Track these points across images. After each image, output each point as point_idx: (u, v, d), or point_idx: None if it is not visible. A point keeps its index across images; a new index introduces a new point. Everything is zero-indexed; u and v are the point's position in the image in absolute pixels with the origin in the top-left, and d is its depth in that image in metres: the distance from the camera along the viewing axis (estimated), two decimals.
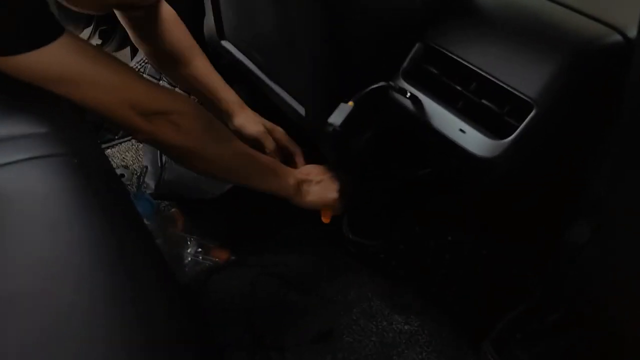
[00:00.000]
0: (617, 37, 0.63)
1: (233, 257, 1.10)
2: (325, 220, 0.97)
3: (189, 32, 1.03)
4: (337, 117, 0.65)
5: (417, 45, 0.75)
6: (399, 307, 1.07)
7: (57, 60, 0.62)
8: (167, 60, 1.01)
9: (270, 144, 1.03)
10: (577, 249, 0.78)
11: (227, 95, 1.03)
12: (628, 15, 0.64)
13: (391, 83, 0.71)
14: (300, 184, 0.92)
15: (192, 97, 1.09)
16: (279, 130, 1.05)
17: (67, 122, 0.65)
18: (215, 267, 1.06)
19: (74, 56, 0.63)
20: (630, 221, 0.67)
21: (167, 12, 0.99)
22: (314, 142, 1.04)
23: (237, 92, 1.07)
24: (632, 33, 0.63)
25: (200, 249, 1.07)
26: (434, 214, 1.09)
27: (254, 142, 1.03)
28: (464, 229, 1.03)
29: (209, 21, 1.16)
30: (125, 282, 0.47)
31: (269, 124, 1.05)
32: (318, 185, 0.94)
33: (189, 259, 1.05)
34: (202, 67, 1.02)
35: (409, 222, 1.12)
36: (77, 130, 0.65)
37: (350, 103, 0.66)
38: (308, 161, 1.02)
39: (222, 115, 1.03)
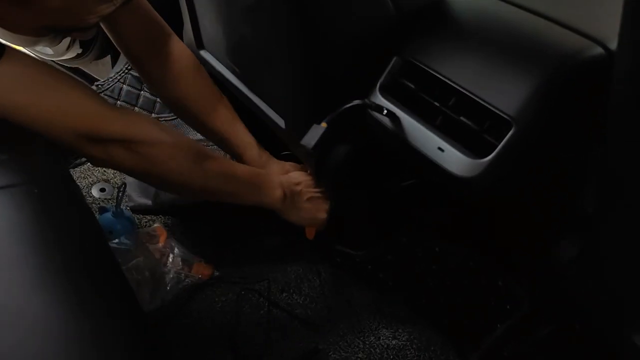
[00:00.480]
0: (599, 50, 0.61)
1: (217, 273, 1.08)
2: (309, 236, 0.96)
3: None
4: (310, 139, 0.63)
5: (394, 59, 0.72)
6: (387, 320, 1.05)
7: None
8: (186, 111, 0.95)
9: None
10: (565, 264, 0.76)
11: (251, 151, 0.95)
12: (609, 26, 0.62)
13: (366, 101, 0.69)
14: (288, 195, 0.87)
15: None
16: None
17: (29, 149, 0.62)
18: (198, 284, 1.04)
19: (18, 78, 0.59)
20: (617, 236, 0.65)
21: (185, 57, 0.93)
22: (294, 154, 1.02)
23: None
24: (613, 45, 0.61)
25: (182, 266, 1.04)
26: (420, 224, 1.07)
27: None
28: (450, 239, 1.01)
29: (188, 31, 1.14)
30: (83, 327, 0.45)
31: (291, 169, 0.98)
32: (309, 203, 0.90)
33: (172, 275, 1.03)
34: (222, 121, 0.95)
35: (396, 232, 1.10)
36: (39, 155, 0.63)
37: (324, 124, 0.64)
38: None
39: None
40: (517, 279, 0.91)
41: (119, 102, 1.32)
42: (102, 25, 0.95)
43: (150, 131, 0.69)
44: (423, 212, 1.04)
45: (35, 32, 0.64)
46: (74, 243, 0.53)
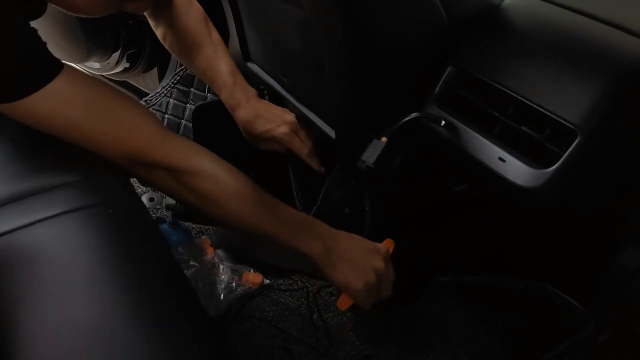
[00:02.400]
0: None
1: (267, 281, 1.09)
2: (340, 306, 0.79)
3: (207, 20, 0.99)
4: (370, 155, 0.63)
5: (448, 68, 0.72)
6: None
7: (53, 105, 0.59)
8: (180, 49, 0.96)
9: (300, 147, 0.96)
10: (630, 273, 0.74)
11: (225, 92, 0.95)
12: None
13: (424, 113, 0.69)
14: (329, 250, 0.74)
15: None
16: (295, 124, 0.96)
17: (100, 168, 0.65)
18: (249, 292, 1.06)
19: (74, 95, 0.60)
20: None
21: None
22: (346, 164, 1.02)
23: None
24: None
25: (233, 276, 1.06)
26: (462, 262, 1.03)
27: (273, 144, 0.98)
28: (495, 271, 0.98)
29: (234, 43, 1.15)
30: (161, 345, 0.46)
31: (288, 117, 0.96)
32: (347, 264, 0.74)
33: (223, 286, 1.05)
34: (208, 57, 0.95)
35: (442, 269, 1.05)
36: (111, 176, 0.65)
37: (384, 139, 0.64)
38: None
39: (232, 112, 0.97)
40: (575, 296, 0.89)
41: (166, 115, 1.35)
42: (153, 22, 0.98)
43: (194, 161, 0.68)
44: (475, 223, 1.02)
45: (103, 6, 0.64)
46: (149, 261, 0.54)
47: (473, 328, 1.01)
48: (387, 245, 0.80)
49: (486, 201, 0.96)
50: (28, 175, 0.60)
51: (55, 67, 0.59)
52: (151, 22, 0.99)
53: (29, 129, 0.61)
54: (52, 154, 0.64)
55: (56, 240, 0.53)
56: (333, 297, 1.07)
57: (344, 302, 0.78)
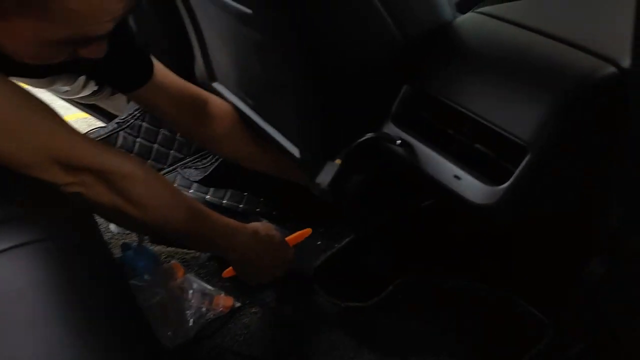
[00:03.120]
0: (611, 69, 0.60)
1: (238, 304, 1.08)
2: (224, 275, 1.01)
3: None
4: (324, 177, 0.63)
5: (404, 87, 0.72)
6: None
7: None
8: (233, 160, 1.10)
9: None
10: (596, 282, 0.75)
11: None
12: (619, 44, 0.61)
13: (379, 133, 0.69)
14: (244, 258, 0.90)
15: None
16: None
17: (46, 201, 0.63)
18: (219, 317, 1.04)
19: None
20: None
21: (226, 116, 1.03)
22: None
23: None
24: (625, 63, 0.60)
25: (203, 300, 1.04)
26: (429, 261, 1.04)
27: None
28: (459, 273, 0.98)
29: (199, 65, 1.15)
30: None
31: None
32: (254, 267, 0.92)
33: (193, 310, 1.03)
34: (268, 166, 1.08)
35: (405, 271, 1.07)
36: (57, 209, 0.63)
37: (338, 161, 0.64)
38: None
39: None
40: (536, 304, 0.89)
41: (138, 139, 1.33)
42: (140, 103, 1.02)
43: (125, 165, 0.69)
44: (443, 236, 1.03)
45: (52, 52, 0.62)
46: (97, 297, 0.53)
47: (435, 344, 1.00)
48: (299, 236, 1.01)
49: (454, 214, 0.96)
50: None
51: None
52: (206, 147, 1.13)
53: None
54: None
55: (1, 278, 0.52)
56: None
57: (228, 273, 0.99)
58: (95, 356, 0.46)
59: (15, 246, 0.54)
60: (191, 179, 1.27)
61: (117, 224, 0.79)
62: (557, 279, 0.81)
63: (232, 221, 0.86)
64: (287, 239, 1.00)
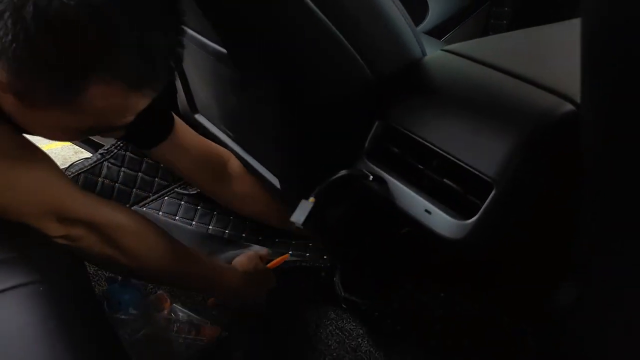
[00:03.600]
0: (569, 107, 0.63)
1: (225, 333, 1.09)
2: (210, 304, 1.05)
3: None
4: (299, 216, 0.65)
5: (376, 124, 0.75)
6: None
7: None
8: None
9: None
10: (565, 308, 0.77)
11: None
12: (577, 82, 0.64)
13: (352, 169, 0.71)
14: (234, 295, 0.96)
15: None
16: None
17: (36, 243, 0.65)
18: (206, 348, 1.05)
19: None
20: (615, 281, 0.66)
21: (246, 178, 1.06)
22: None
23: None
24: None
25: (190, 331, 1.05)
26: (424, 271, 1.08)
27: None
28: (451, 285, 1.02)
29: (182, 97, 1.18)
30: None
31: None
32: (240, 301, 0.97)
33: (180, 341, 1.04)
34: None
35: (400, 280, 1.11)
36: (46, 251, 0.65)
37: (312, 199, 0.66)
38: None
39: None
40: (521, 320, 0.92)
41: (122, 168, 1.35)
42: (160, 161, 1.05)
43: (116, 217, 0.71)
44: (426, 258, 1.05)
45: (75, 135, 0.66)
46: (81, 336, 0.55)
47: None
48: (279, 261, 1.06)
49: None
50: None
51: None
52: (225, 204, 1.13)
53: None
54: None
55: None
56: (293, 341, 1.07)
57: (213, 302, 1.05)
58: None
59: (5, 289, 0.56)
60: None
61: (107, 270, 0.81)
62: (533, 301, 0.84)
63: (219, 264, 0.90)
64: (268, 266, 1.03)
